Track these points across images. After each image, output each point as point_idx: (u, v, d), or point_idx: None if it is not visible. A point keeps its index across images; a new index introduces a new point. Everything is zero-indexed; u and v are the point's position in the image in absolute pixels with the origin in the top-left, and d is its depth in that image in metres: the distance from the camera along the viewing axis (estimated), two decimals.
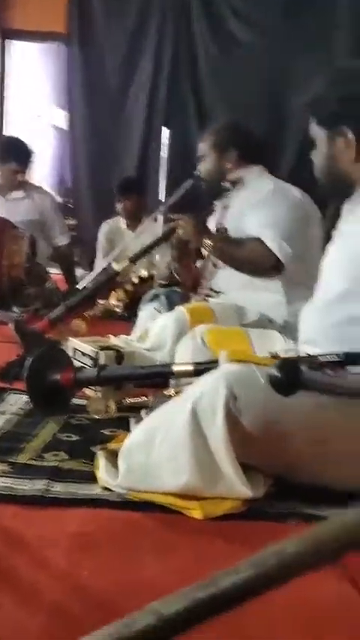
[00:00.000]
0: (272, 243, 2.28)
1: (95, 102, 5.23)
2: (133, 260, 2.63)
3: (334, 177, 1.65)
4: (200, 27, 5.04)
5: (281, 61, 4.84)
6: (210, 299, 2.48)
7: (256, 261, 2.35)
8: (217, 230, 2.47)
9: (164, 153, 3.36)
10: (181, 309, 2.26)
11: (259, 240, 2.31)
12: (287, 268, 2.31)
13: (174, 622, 0.39)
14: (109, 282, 2.78)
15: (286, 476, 1.43)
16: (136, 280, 3.14)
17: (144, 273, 3.15)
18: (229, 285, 2.46)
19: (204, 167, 2.53)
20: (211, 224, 2.57)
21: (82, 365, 2.13)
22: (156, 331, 2.28)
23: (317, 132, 1.65)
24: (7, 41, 5.61)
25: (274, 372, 0.94)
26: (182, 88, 5.08)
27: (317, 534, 0.43)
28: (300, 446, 1.38)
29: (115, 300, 3.39)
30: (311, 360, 1.34)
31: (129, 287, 3.20)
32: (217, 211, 2.60)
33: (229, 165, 2.48)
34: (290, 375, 0.93)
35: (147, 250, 2.63)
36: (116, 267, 2.65)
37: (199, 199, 2.63)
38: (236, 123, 2.57)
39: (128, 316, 3.76)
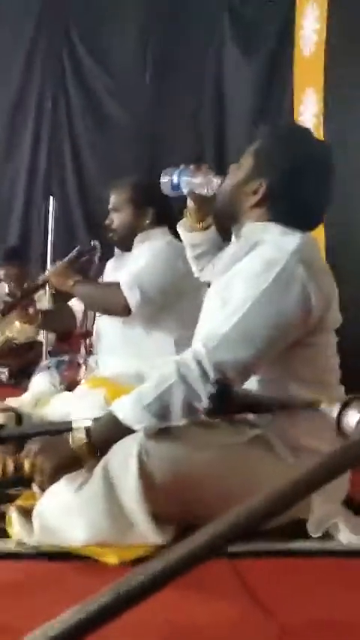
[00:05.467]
0: (124, 286, 2.35)
1: None
2: (4, 311, 2.66)
3: (227, 206, 1.70)
4: (77, 101, 5.32)
5: (151, 136, 5.21)
6: (106, 371, 2.48)
7: (107, 301, 2.42)
8: None
9: (51, 222, 3.47)
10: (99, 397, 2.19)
11: (117, 284, 2.38)
12: (137, 313, 2.36)
13: None
14: None
15: (194, 521, 1.47)
16: None
17: None
18: (120, 353, 2.51)
19: (118, 219, 2.52)
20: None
21: None
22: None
23: (245, 161, 1.68)
24: None
25: (211, 389, 1.04)
26: (62, 159, 5.29)
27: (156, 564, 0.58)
28: (208, 493, 1.47)
29: None
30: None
31: None
32: (108, 270, 2.67)
33: (147, 222, 2.50)
34: (225, 392, 1.03)
35: (19, 301, 2.66)
36: None
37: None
38: (154, 181, 2.59)
39: (15, 383, 3.81)
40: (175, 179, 1.79)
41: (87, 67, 5.34)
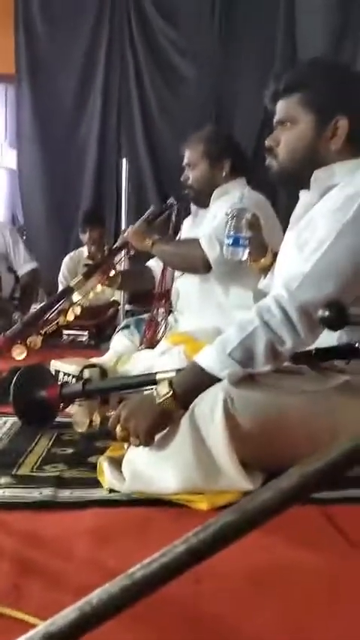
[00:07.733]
0: (203, 242, 2.34)
1: (45, 139, 5.35)
2: (87, 275, 2.69)
3: (307, 164, 1.60)
4: (145, 60, 5.28)
5: (222, 90, 5.13)
6: (185, 328, 2.50)
7: (187, 257, 2.41)
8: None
9: (124, 183, 3.47)
10: (179, 352, 2.19)
11: (197, 240, 2.38)
12: (217, 267, 2.36)
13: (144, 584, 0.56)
14: (64, 295, 2.86)
15: (282, 468, 1.50)
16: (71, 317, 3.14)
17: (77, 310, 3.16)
18: (199, 310, 2.51)
19: (194, 175, 2.48)
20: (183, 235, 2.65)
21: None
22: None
23: (298, 113, 1.60)
24: None
25: (322, 311, 1.01)
26: (132, 120, 5.28)
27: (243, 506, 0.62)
28: (294, 439, 1.46)
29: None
30: None
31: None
32: (185, 228, 2.67)
33: (224, 175, 2.47)
34: (339, 311, 1.00)
35: (101, 264, 2.69)
36: (71, 283, 2.73)
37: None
38: (228, 133, 2.52)
39: (95, 344, 3.89)
40: (231, 242, 2.00)
41: (155, 25, 5.30)
